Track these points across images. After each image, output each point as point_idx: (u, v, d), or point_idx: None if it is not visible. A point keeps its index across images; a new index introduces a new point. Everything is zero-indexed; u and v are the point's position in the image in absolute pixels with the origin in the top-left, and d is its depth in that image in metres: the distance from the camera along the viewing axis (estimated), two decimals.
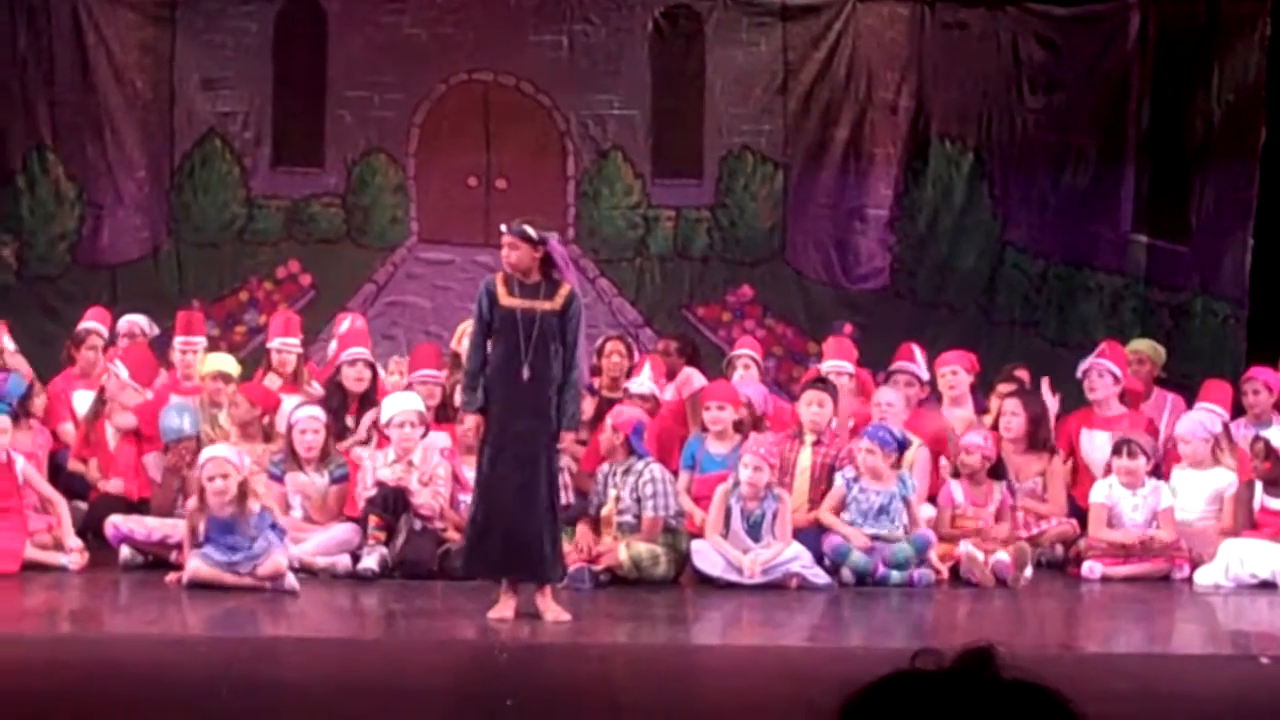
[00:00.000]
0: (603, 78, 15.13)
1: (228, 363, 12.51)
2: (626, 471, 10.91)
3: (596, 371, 12.57)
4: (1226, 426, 12.05)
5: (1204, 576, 11.14)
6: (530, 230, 9.39)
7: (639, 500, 10.84)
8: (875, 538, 10.92)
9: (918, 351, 12.80)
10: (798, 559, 10.75)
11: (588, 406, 11.43)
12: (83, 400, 12.42)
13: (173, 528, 10.80)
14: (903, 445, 11.18)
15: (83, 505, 11.56)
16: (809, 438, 11.39)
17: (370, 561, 10.77)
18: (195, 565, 10.16)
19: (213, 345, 13.52)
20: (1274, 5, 14.92)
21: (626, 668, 8.51)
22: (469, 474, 10.55)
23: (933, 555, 10.99)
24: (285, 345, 12.73)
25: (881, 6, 15.19)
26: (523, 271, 9.39)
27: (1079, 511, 11.77)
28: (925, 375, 12.66)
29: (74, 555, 10.82)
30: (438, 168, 15.17)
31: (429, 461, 11.12)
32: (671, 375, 12.79)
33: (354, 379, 12.08)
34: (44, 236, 14.94)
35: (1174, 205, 15.16)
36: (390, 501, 10.91)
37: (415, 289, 15.13)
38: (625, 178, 15.21)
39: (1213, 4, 15.02)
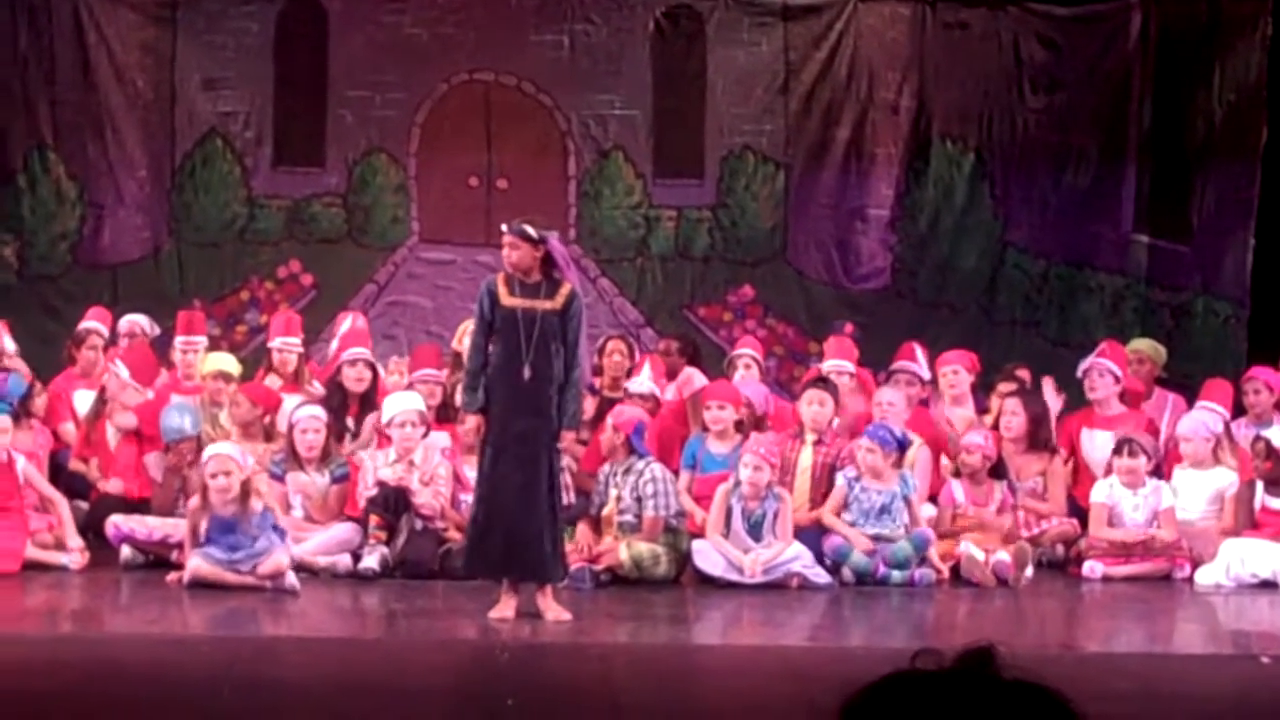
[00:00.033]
0: (604, 78, 15.13)
1: (228, 362, 12.51)
2: (627, 471, 10.91)
3: (598, 371, 12.57)
4: (1228, 426, 12.05)
5: (1205, 576, 11.14)
6: (530, 229, 9.39)
7: (639, 500, 10.84)
8: (876, 537, 10.91)
9: (919, 351, 12.81)
10: (798, 559, 10.75)
11: (589, 406, 11.43)
12: (83, 400, 12.42)
13: (173, 527, 10.80)
14: (903, 445, 11.17)
15: (84, 505, 11.56)
16: (810, 437, 11.38)
17: (371, 561, 10.77)
18: (196, 563, 10.17)
19: (214, 345, 13.53)
20: (1275, 5, 14.91)
21: (627, 667, 8.51)
22: (470, 474, 10.55)
23: (933, 554, 10.99)
24: (286, 345, 12.73)
25: (883, 6, 15.19)
26: (524, 271, 9.39)
27: (1080, 511, 11.77)
28: (926, 374, 12.67)
29: (75, 555, 10.82)
30: (439, 167, 15.17)
31: (430, 461, 11.12)
32: (672, 375, 12.79)
33: (354, 379, 12.07)
34: (45, 236, 14.94)
35: (1175, 205, 15.16)
36: (391, 501, 10.91)
37: (416, 289, 15.13)
38: (626, 178, 15.21)
39: (1214, 4, 15.01)
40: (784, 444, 11.28)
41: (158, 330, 13.28)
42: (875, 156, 15.20)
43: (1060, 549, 11.75)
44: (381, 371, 12.44)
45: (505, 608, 9.40)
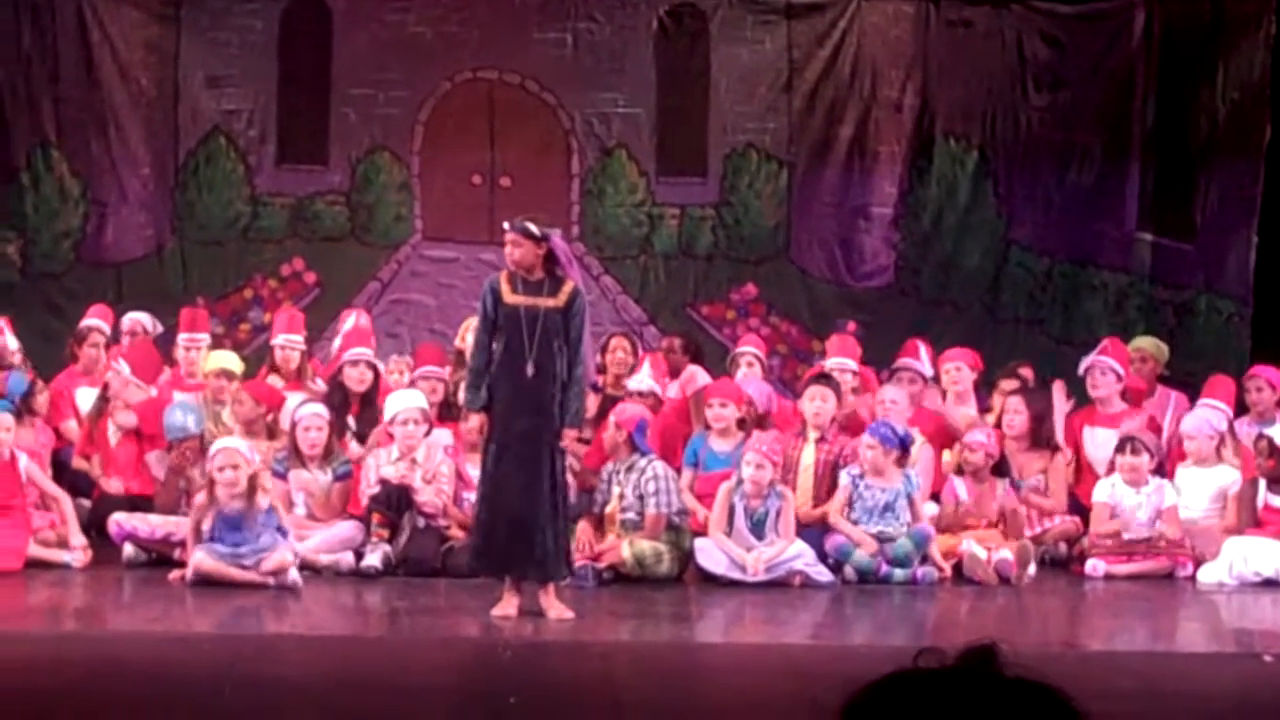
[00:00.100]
0: (607, 76, 15.13)
1: (231, 360, 12.52)
2: (630, 469, 10.92)
3: (602, 369, 12.57)
4: (1231, 424, 12.04)
5: (1207, 574, 11.13)
6: (533, 226, 9.39)
7: (642, 498, 10.84)
8: (878, 535, 10.91)
9: (922, 348, 12.81)
10: (801, 557, 10.75)
11: (591, 404, 11.43)
12: (85, 398, 12.42)
13: (176, 525, 10.81)
14: (905, 443, 11.16)
15: (86, 503, 11.56)
16: (812, 435, 11.38)
17: (373, 559, 10.77)
18: (200, 558, 10.17)
19: (217, 343, 13.54)
20: (1278, 3, 14.91)
21: (630, 665, 8.51)
22: (472, 471, 10.56)
23: (935, 553, 10.98)
24: (289, 342, 12.74)
25: (886, 4, 15.18)
26: (526, 269, 9.39)
27: (1082, 509, 11.77)
28: (929, 372, 12.67)
29: (77, 553, 10.83)
30: (442, 165, 15.17)
31: (432, 459, 11.12)
32: (675, 373, 12.79)
33: (356, 380, 12.07)
34: (48, 234, 14.94)
35: (1179, 203, 15.15)
36: (393, 499, 10.92)
37: (419, 287, 15.13)
38: (630, 176, 15.21)
39: (1217, 2, 15.01)
40: (786, 442, 11.28)
41: (160, 328, 13.28)
42: (878, 154, 15.19)
43: (1063, 547, 11.75)
44: (382, 369, 12.43)
45: (508, 605, 9.40)
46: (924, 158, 15.21)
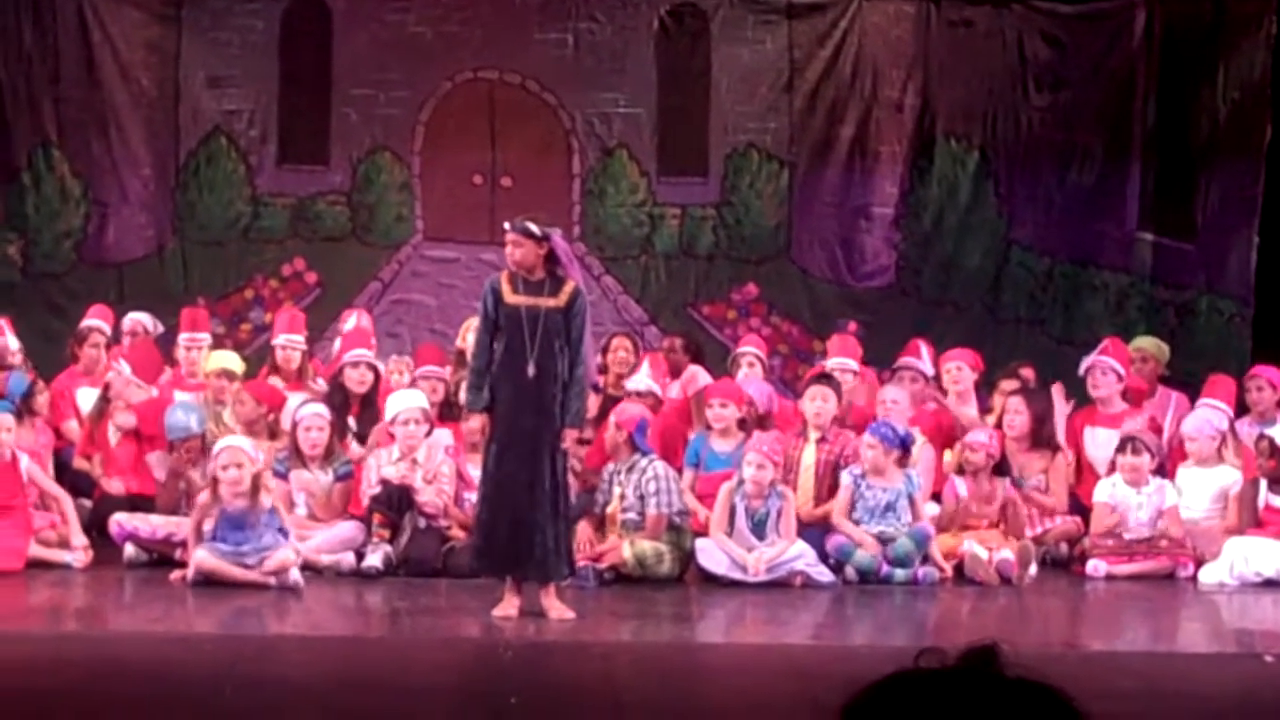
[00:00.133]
0: (608, 76, 15.13)
1: (232, 360, 12.52)
2: (630, 469, 10.91)
3: (603, 369, 12.57)
4: (1232, 424, 12.04)
5: (1208, 575, 11.13)
6: (534, 226, 9.39)
7: (643, 498, 10.84)
8: (879, 535, 10.91)
9: (924, 348, 12.82)
10: (802, 557, 10.74)
11: (593, 404, 11.42)
12: (86, 398, 12.42)
13: (177, 526, 10.81)
14: (905, 442, 11.16)
15: (87, 503, 11.55)
16: (813, 435, 11.38)
17: (374, 559, 10.77)
18: (201, 556, 10.16)
19: (218, 343, 13.54)
20: (1279, 3, 14.91)
21: (631, 666, 8.51)
22: (473, 471, 10.56)
23: (936, 553, 10.98)
24: (290, 342, 12.74)
25: (887, 5, 15.19)
26: (527, 269, 9.39)
27: (1083, 510, 11.77)
28: (930, 371, 12.67)
29: (78, 553, 10.83)
30: (443, 166, 15.17)
31: (433, 459, 11.12)
32: (676, 373, 12.79)
33: (356, 381, 12.06)
34: (49, 234, 14.95)
35: (1179, 203, 15.15)
36: (394, 499, 10.91)
37: (420, 287, 15.13)
38: (631, 176, 15.21)
39: (1218, 2, 15.01)
40: (787, 442, 11.27)
41: (160, 328, 13.28)
42: (879, 154, 15.19)
43: (1064, 547, 11.74)
44: (382, 370, 12.42)
45: (509, 606, 9.40)
46: (925, 158, 15.21)
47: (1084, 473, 12.23)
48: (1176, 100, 15.09)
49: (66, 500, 11.08)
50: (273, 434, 11.60)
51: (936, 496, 11.62)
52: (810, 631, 10.13)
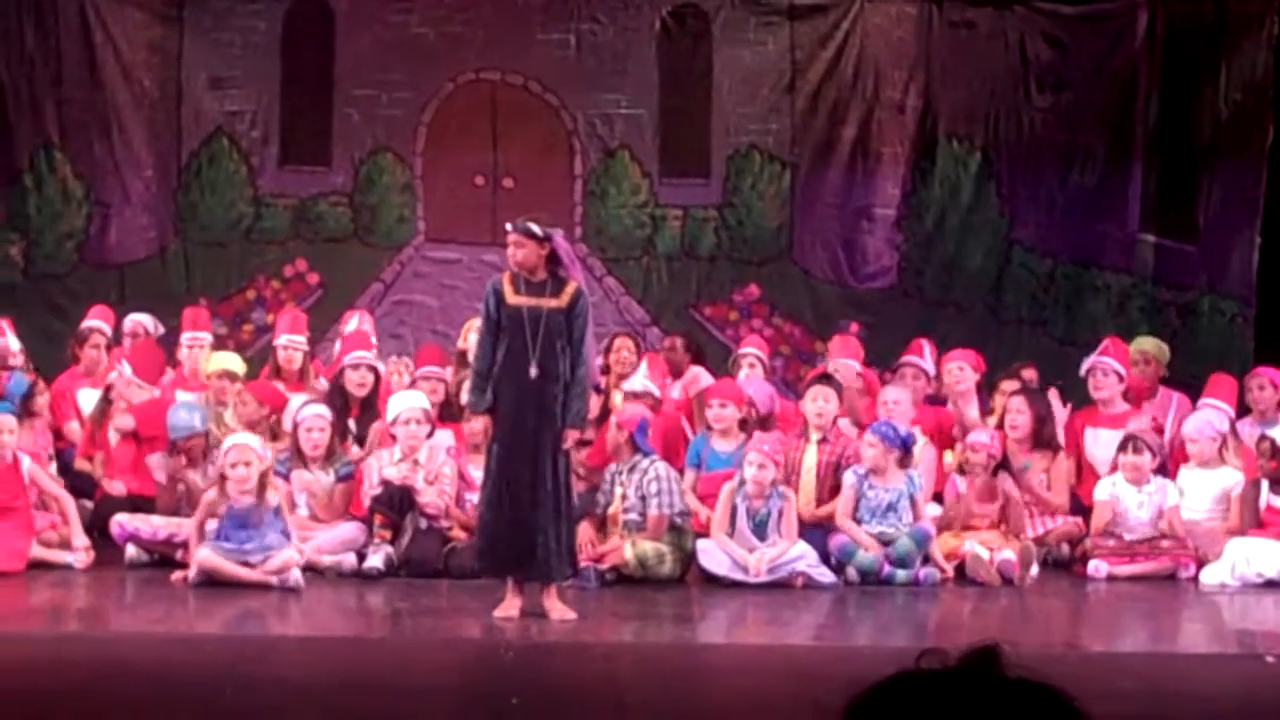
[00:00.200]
0: (610, 77, 15.14)
1: (233, 361, 12.52)
2: (632, 470, 10.91)
3: (606, 370, 12.57)
4: (1233, 425, 12.04)
5: (1210, 576, 11.13)
6: (535, 227, 9.39)
7: (644, 498, 10.84)
8: (880, 535, 10.91)
9: (927, 347, 12.82)
10: (803, 558, 10.74)
11: (594, 405, 11.42)
12: (87, 399, 12.43)
13: (178, 526, 10.81)
14: (906, 443, 11.15)
15: (88, 504, 11.55)
16: (814, 435, 11.38)
17: (375, 560, 10.77)
18: (204, 555, 10.16)
19: (220, 344, 13.55)
20: None
21: (632, 666, 8.50)
22: (475, 473, 10.56)
23: (937, 553, 10.97)
24: (291, 342, 12.74)
25: (889, 6, 15.19)
26: (529, 269, 9.39)
27: (1084, 511, 11.76)
28: (932, 370, 12.67)
29: (80, 554, 10.83)
30: (445, 167, 15.18)
31: (434, 460, 11.12)
32: (677, 373, 12.79)
33: (356, 383, 12.04)
34: (51, 235, 14.95)
35: (1181, 204, 15.16)
36: (396, 500, 10.91)
37: (422, 288, 15.14)
38: (632, 177, 15.21)
39: (1220, 3, 15.02)
40: (788, 443, 11.27)
41: (161, 329, 13.30)
42: (881, 156, 15.20)
43: (1065, 548, 11.74)
44: (383, 371, 12.42)
45: (510, 606, 9.40)
46: (927, 159, 15.22)
47: (1085, 473, 12.23)
48: (1178, 101, 15.09)
49: (68, 501, 11.08)
50: (274, 435, 11.60)
51: (938, 497, 11.62)
52: (811, 632, 10.13)
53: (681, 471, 11.26)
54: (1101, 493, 11.54)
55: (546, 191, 14.70)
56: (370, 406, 11.95)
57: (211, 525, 10.34)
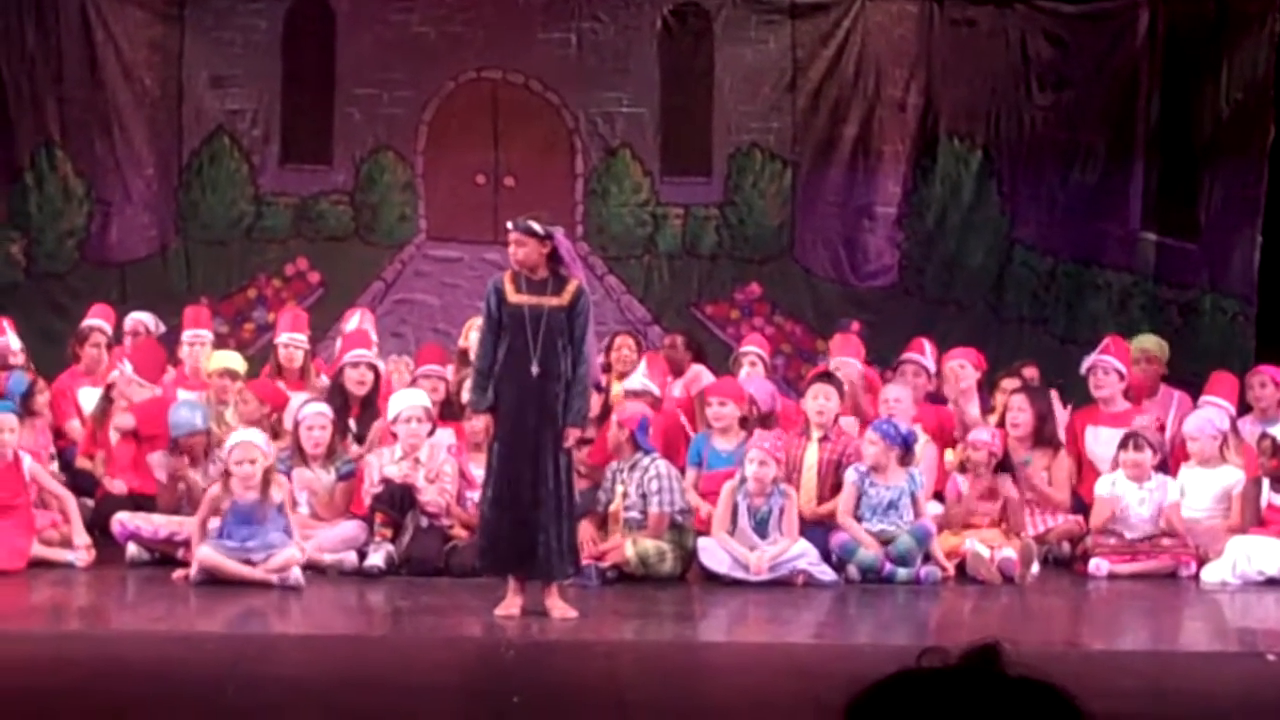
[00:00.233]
0: (611, 75, 15.14)
1: (234, 360, 12.52)
2: (633, 468, 10.91)
3: (607, 368, 12.57)
4: (1234, 423, 12.03)
5: (1211, 574, 11.12)
6: (536, 225, 9.39)
7: (645, 496, 10.83)
8: (881, 533, 10.91)
9: (928, 345, 12.82)
10: (804, 556, 10.74)
11: (595, 403, 11.42)
12: (88, 398, 12.43)
13: (179, 525, 10.81)
14: (907, 440, 11.15)
15: (89, 502, 11.56)
16: (815, 434, 11.38)
17: (377, 558, 10.77)
18: (205, 552, 10.16)
19: (221, 343, 13.55)
20: None
21: (633, 665, 8.51)
22: (476, 471, 10.56)
23: (938, 552, 10.97)
24: (292, 340, 12.75)
25: (890, 4, 15.19)
26: (530, 268, 9.39)
27: (1085, 509, 11.76)
28: (933, 368, 12.67)
29: (81, 552, 10.83)
30: (446, 165, 15.18)
31: (435, 458, 11.12)
32: (678, 371, 12.79)
33: (356, 382, 12.04)
34: (52, 233, 14.95)
35: (1183, 202, 15.16)
36: (397, 498, 10.91)
37: (423, 287, 15.14)
38: (634, 175, 15.21)
39: (1221, 1, 15.02)
40: (790, 441, 11.27)
41: (162, 328, 13.30)
42: (882, 154, 15.20)
43: (1066, 546, 11.73)
44: (383, 370, 12.41)
45: (511, 605, 9.40)
46: (928, 157, 15.22)
47: (1085, 472, 12.22)
48: (1180, 99, 15.09)
49: (69, 500, 11.08)
50: (275, 433, 11.59)
51: (939, 495, 11.61)
52: (812, 630, 10.13)
53: (683, 470, 11.26)
54: (1102, 489, 11.54)
55: (548, 190, 14.70)
56: (370, 405, 11.95)
57: (214, 523, 10.34)
